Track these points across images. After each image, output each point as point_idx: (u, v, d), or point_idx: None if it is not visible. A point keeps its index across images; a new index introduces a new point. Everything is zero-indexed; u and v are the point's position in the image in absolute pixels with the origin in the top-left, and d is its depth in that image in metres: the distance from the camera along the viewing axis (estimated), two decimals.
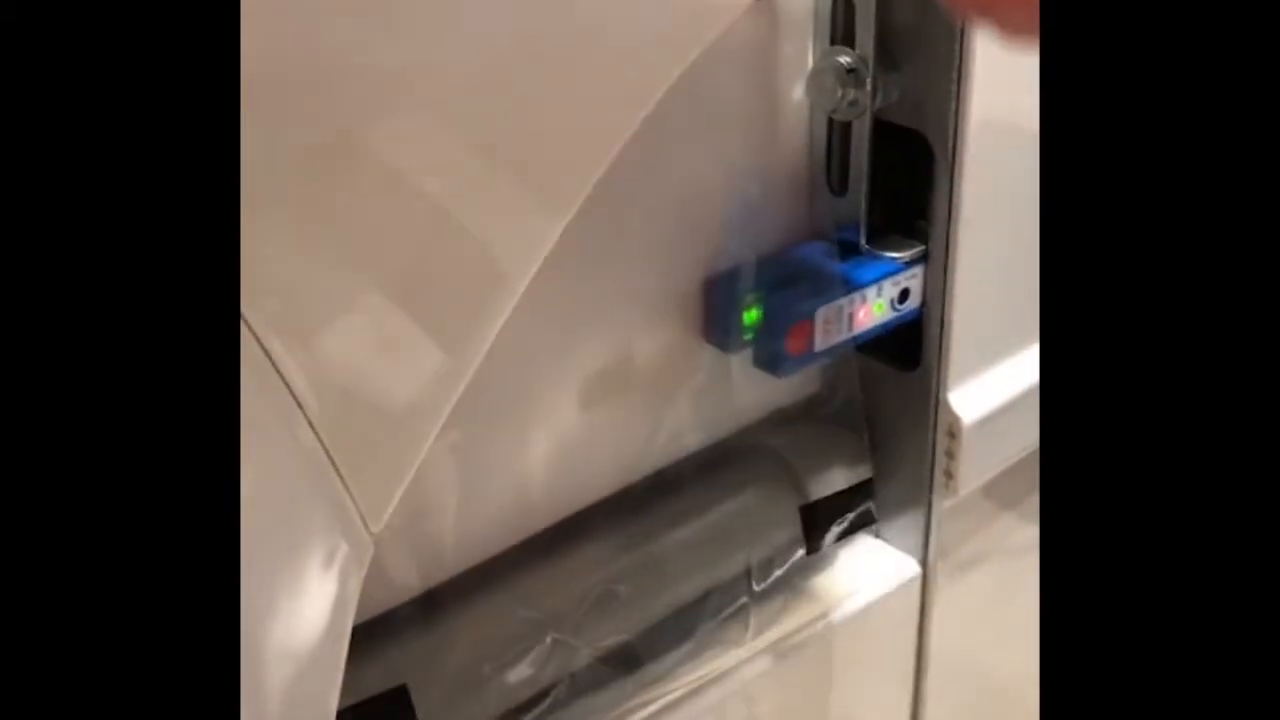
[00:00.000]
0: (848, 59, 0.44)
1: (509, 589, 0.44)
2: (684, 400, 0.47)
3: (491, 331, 0.34)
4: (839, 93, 0.44)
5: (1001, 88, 0.45)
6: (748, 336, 0.45)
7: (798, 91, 0.46)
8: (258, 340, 0.30)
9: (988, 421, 0.51)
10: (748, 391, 0.49)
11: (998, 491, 0.57)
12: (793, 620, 0.51)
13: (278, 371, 0.31)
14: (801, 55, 0.45)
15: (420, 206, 0.32)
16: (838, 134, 0.47)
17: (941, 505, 0.53)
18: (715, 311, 0.46)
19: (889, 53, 0.44)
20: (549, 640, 0.44)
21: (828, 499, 0.51)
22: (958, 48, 0.43)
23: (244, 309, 0.29)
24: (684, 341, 0.46)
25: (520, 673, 0.44)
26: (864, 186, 0.46)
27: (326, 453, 0.32)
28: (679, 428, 0.47)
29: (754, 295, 0.45)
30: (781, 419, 0.51)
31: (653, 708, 0.47)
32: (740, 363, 0.47)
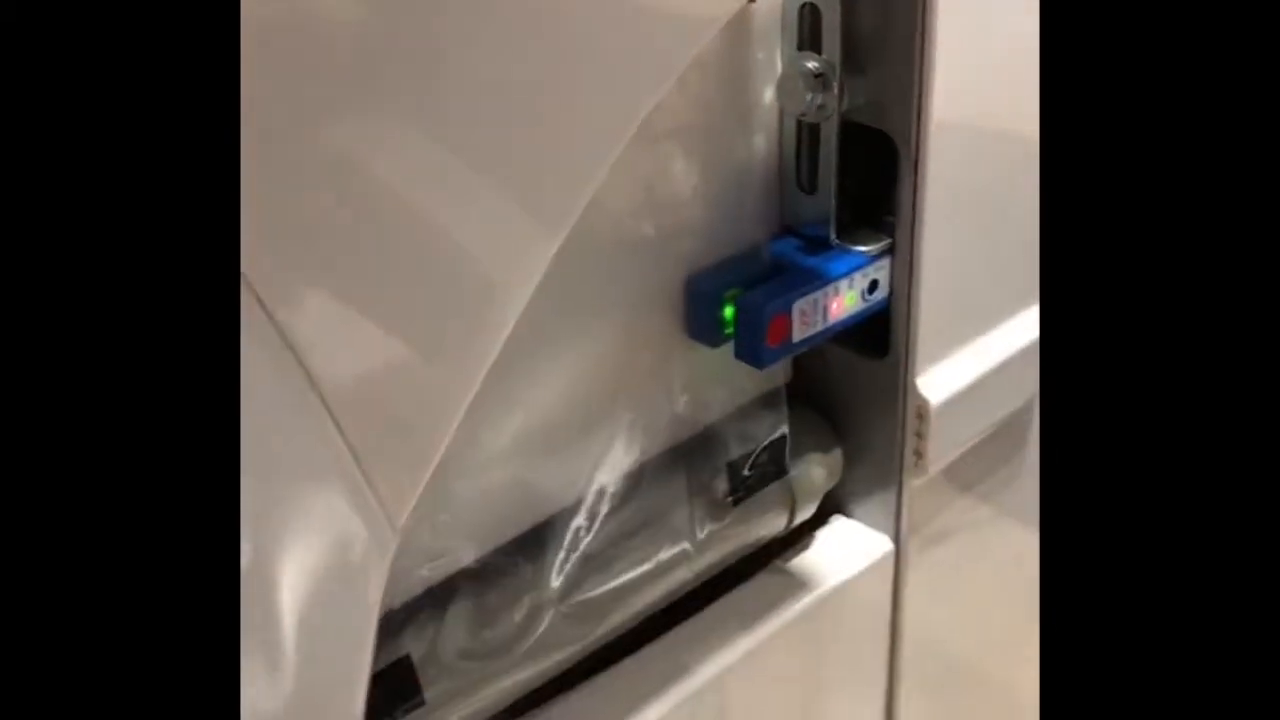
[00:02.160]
0: (815, 64, 0.47)
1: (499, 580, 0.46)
2: (670, 393, 0.49)
3: (500, 336, 0.36)
4: (808, 97, 0.47)
5: (961, 88, 0.47)
6: (728, 331, 0.48)
7: (768, 95, 0.48)
8: (285, 340, 0.32)
9: (954, 402, 0.54)
10: (729, 381, 0.52)
11: (961, 467, 0.59)
12: (772, 597, 0.54)
13: (305, 371, 0.33)
14: (770, 61, 0.48)
15: (429, 221, 0.34)
16: (806, 135, 0.49)
17: (911, 484, 0.56)
18: (696, 308, 0.48)
19: (853, 57, 0.47)
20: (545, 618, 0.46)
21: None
22: (918, 51, 0.46)
23: (273, 311, 0.31)
24: (667, 338, 0.49)
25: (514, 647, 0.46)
26: (833, 184, 0.49)
27: (350, 449, 0.34)
28: (665, 420, 0.50)
29: (733, 292, 0.48)
30: (759, 406, 0.54)
31: (634, 690, 0.49)
32: (719, 355, 0.50)
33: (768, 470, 0.53)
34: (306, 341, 0.32)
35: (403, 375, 0.35)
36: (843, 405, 0.56)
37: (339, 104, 0.32)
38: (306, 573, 0.35)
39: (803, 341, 0.48)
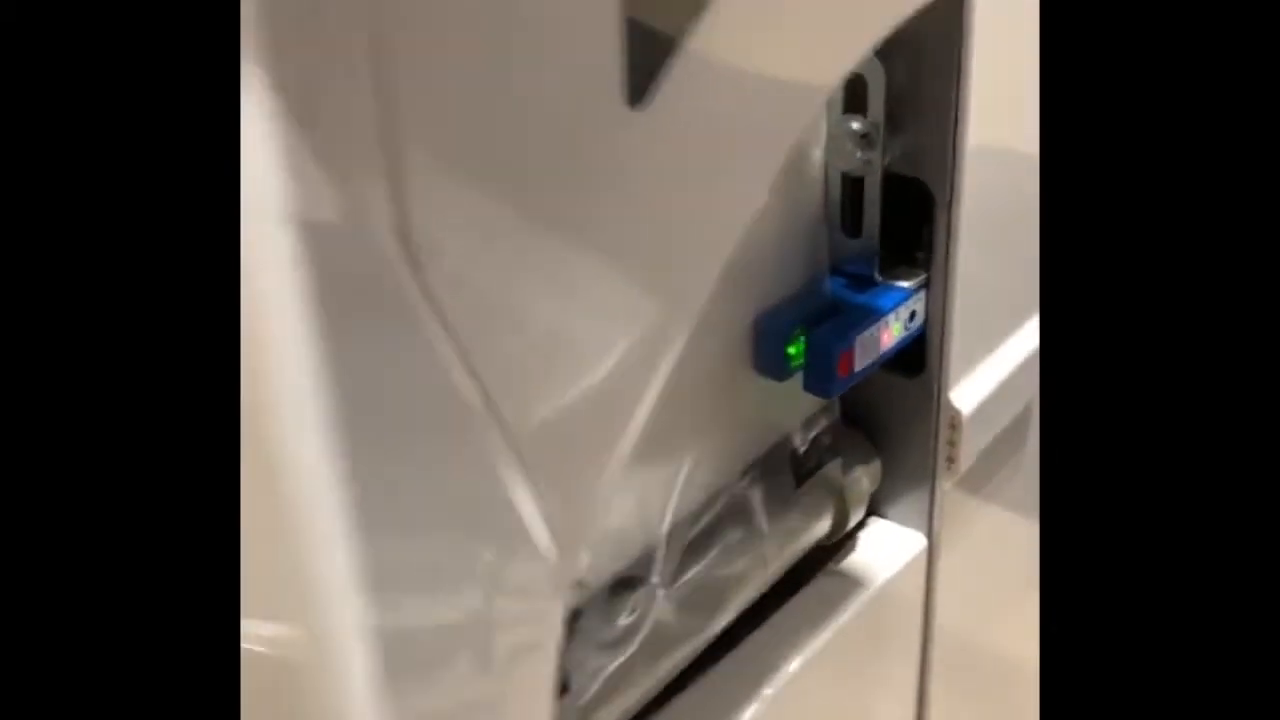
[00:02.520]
0: (860, 125, 0.53)
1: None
2: (744, 421, 0.55)
3: (651, 396, 0.41)
4: (856, 155, 0.53)
5: (989, 142, 0.54)
6: (795, 365, 0.54)
7: (816, 153, 0.54)
8: (490, 409, 0.37)
9: (981, 409, 0.60)
10: (791, 403, 0.58)
11: (982, 463, 0.66)
12: (837, 596, 0.60)
13: (504, 432, 0.37)
14: (817, 122, 0.54)
15: (597, 307, 0.39)
16: (850, 186, 0.55)
17: (943, 486, 0.62)
18: (764, 346, 0.54)
19: (893, 116, 0.53)
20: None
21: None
22: (954, 111, 0.52)
23: (484, 380, 0.36)
24: (738, 374, 0.54)
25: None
26: (877, 230, 0.55)
27: (535, 497, 0.39)
28: (742, 445, 0.56)
29: (796, 330, 0.53)
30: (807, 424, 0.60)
31: (730, 695, 0.55)
32: (771, 384, 0.55)
33: (824, 454, 0.59)
34: (510, 409, 0.37)
35: (574, 432, 0.40)
36: (880, 419, 0.62)
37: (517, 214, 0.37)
38: (495, 618, 0.40)
39: (862, 371, 0.54)
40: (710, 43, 0.37)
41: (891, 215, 0.56)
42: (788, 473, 0.58)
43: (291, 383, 0.30)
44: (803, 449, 0.58)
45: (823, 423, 0.59)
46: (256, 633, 0.36)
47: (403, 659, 0.36)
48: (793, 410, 0.58)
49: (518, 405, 0.37)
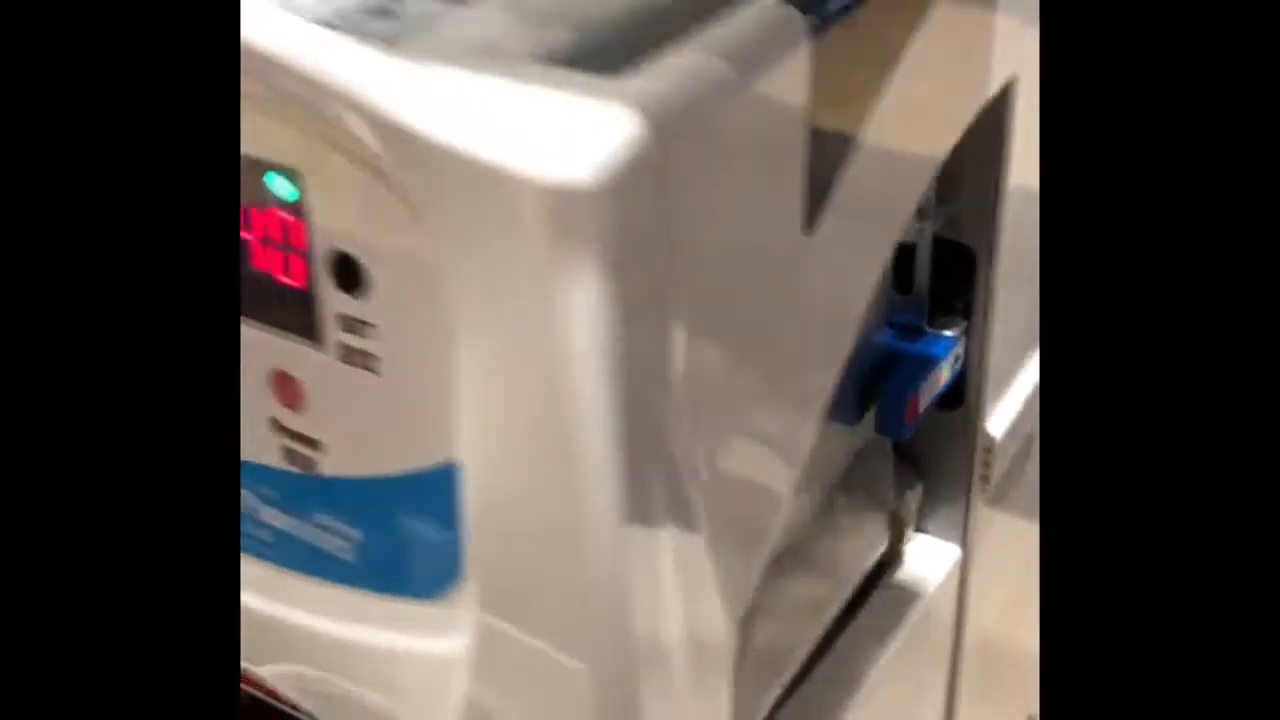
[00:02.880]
0: None
1: None
2: (825, 460, 0.63)
3: (799, 468, 0.48)
4: (910, 226, 0.60)
5: (1022, 208, 0.62)
6: (864, 410, 0.61)
7: None
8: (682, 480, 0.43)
9: (1010, 432, 0.69)
10: (846, 444, 0.65)
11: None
12: (899, 606, 0.67)
13: (695, 510, 0.44)
14: None
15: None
16: (900, 250, 0.63)
17: (978, 501, 0.71)
18: (837, 396, 0.61)
19: (941, 191, 0.61)
20: None
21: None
22: (996, 186, 0.60)
23: (674, 447, 0.42)
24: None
25: None
26: (927, 288, 0.63)
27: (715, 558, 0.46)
28: (816, 477, 0.63)
29: (867, 379, 0.61)
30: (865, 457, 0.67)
31: (827, 698, 0.63)
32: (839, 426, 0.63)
33: (880, 482, 0.67)
34: (711, 479, 0.43)
35: (750, 498, 0.47)
36: (921, 448, 0.70)
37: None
38: (672, 670, 0.46)
39: (925, 411, 0.62)
40: (874, 133, 0.44)
41: (935, 272, 0.64)
42: (853, 499, 0.65)
43: (595, 454, 0.38)
44: (863, 479, 0.66)
45: (878, 455, 0.67)
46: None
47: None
48: (854, 446, 0.65)
49: (717, 476, 0.44)
